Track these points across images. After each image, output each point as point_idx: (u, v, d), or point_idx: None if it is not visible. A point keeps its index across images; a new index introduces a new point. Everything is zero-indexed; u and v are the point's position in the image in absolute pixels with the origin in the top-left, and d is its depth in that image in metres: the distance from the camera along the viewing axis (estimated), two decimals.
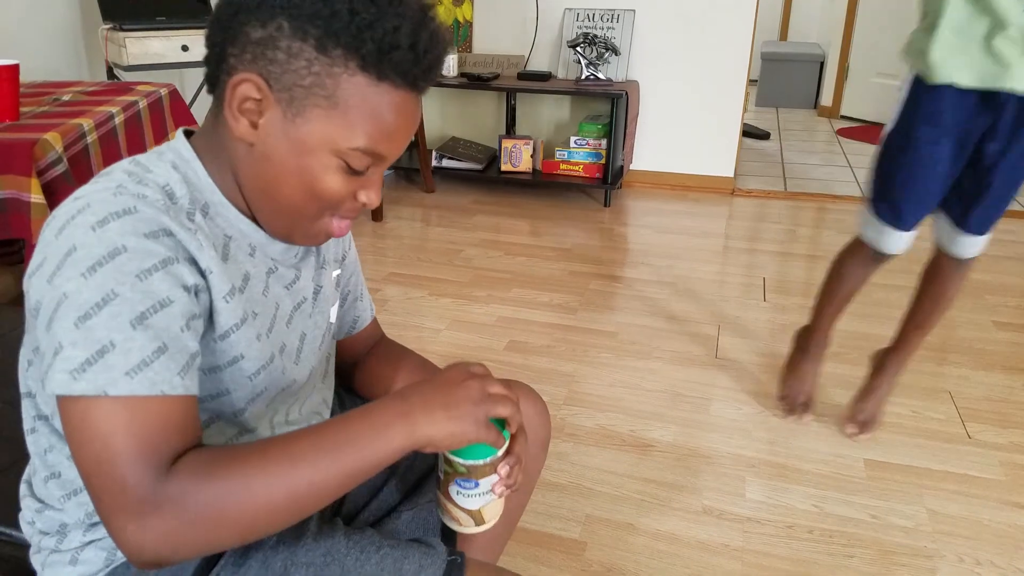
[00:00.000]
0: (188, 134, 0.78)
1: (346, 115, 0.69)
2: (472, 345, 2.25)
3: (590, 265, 2.88)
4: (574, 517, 1.57)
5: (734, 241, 3.17)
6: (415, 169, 3.77)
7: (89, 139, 1.83)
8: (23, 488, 0.81)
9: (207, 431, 0.78)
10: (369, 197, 0.76)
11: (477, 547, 1.00)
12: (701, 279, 2.77)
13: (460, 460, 0.82)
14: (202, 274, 0.70)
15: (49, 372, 0.63)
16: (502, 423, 0.82)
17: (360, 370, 1.04)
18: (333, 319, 0.93)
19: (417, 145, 3.62)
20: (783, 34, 6.74)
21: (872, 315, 2.49)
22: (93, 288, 0.62)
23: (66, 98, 2.10)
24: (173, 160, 0.74)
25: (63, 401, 0.63)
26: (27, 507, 0.80)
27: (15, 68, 1.85)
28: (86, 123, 1.83)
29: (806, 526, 1.57)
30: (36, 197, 1.65)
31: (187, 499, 0.61)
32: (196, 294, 0.69)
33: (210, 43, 0.73)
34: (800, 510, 1.61)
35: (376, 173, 0.76)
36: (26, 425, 0.77)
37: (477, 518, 0.85)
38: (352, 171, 0.72)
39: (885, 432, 1.87)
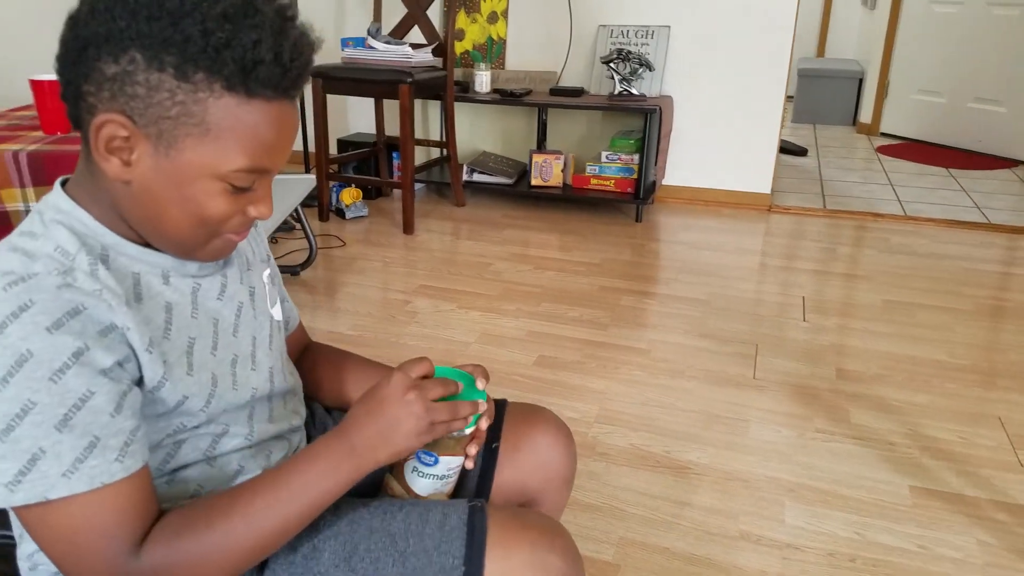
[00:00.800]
0: (65, 183, 0.75)
1: (220, 139, 0.66)
2: (501, 359, 2.21)
3: (621, 280, 2.83)
4: (607, 539, 1.52)
5: (771, 259, 3.11)
6: (446, 183, 3.76)
7: None
8: (17, 540, 0.79)
9: (177, 458, 0.77)
10: (260, 211, 0.74)
11: None
12: (737, 297, 2.71)
13: (427, 470, 0.84)
14: (123, 336, 0.67)
15: None
16: (473, 393, 0.85)
17: (306, 378, 1.04)
18: (279, 317, 0.91)
19: (448, 159, 3.60)
20: (820, 50, 6.66)
21: (918, 337, 2.41)
22: (9, 400, 0.62)
23: None
24: (54, 217, 0.71)
25: (16, 510, 0.64)
26: (21, 564, 0.79)
27: None
28: None
29: (848, 554, 1.50)
30: None
31: (165, 567, 0.66)
32: (122, 366, 0.67)
33: (63, 80, 0.68)
34: (842, 537, 1.55)
35: (263, 186, 0.73)
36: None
37: None
38: (237, 190, 0.70)
39: (931, 458, 1.80)
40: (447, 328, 2.41)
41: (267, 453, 0.85)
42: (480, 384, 0.87)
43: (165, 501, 0.76)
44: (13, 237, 0.70)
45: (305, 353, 1.06)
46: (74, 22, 0.66)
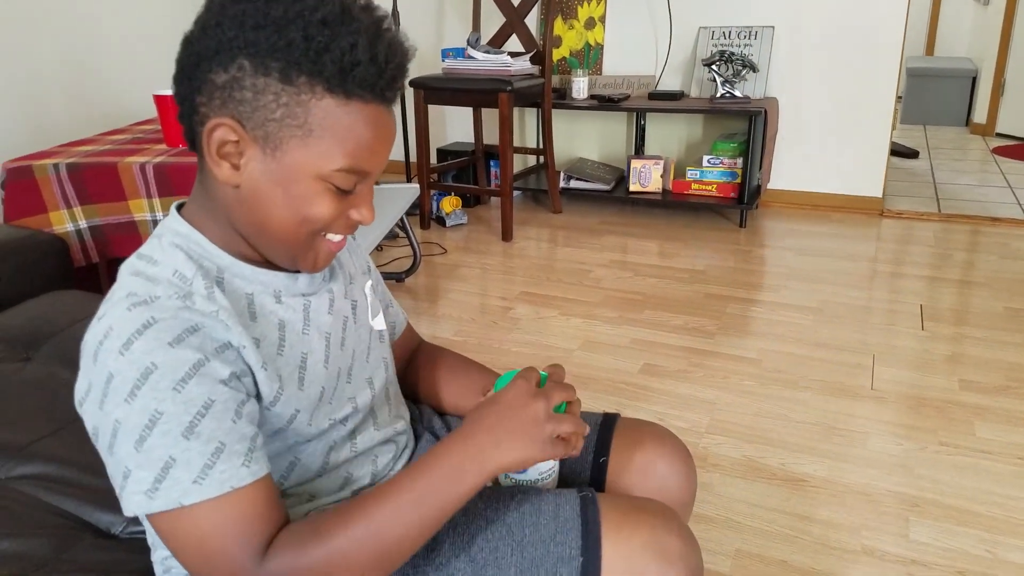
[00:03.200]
0: (181, 207, 0.78)
1: (323, 139, 0.69)
2: (605, 367, 2.20)
3: (726, 288, 2.78)
4: (723, 550, 1.50)
5: (885, 265, 2.99)
6: (543, 190, 3.78)
7: None
8: (151, 548, 0.83)
9: (293, 474, 0.79)
10: (362, 214, 0.76)
11: None
12: (850, 305, 2.62)
13: (517, 478, 0.85)
14: (239, 354, 0.71)
15: (124, 494, 0.66)
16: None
17: (405, 377, 1.06)
18: (380, 327, 0.93)
19: (545, 166, 3.62)
20: (929, 49, 6.38)
21: None
22: (138, 411, 0.65)
23: None
24: (172, 240, 0.74)
25: (149, 517, 0.66)
26: (156, 567, 0.83)
27: None
28: None
29: (979, 572, 1.43)
30: None
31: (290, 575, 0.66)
32: (239, 379, 0.70)
33: (180, 98, 0.72)
34: (972, 555, 1.47)
35: (364, 189, 0.75)
36: None
37: None
38: (340, 191, 0.72)
39: None
40: (549, 335, 2.42)
41: (373, 458, 0.87)
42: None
43: None
44: (134, 260, 0.74)
45: (419, 355, 1.08)
46: (188, 42, 0.71)
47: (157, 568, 0.82)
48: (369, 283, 0.93)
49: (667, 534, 0.78)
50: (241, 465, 0.67)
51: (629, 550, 0.77)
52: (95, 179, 1.89)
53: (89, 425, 0.69)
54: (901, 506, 1.61)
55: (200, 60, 0.69)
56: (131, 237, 1.95)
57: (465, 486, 0.72)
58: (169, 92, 1.95)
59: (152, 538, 0.81)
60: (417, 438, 0.98)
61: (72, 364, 1.31)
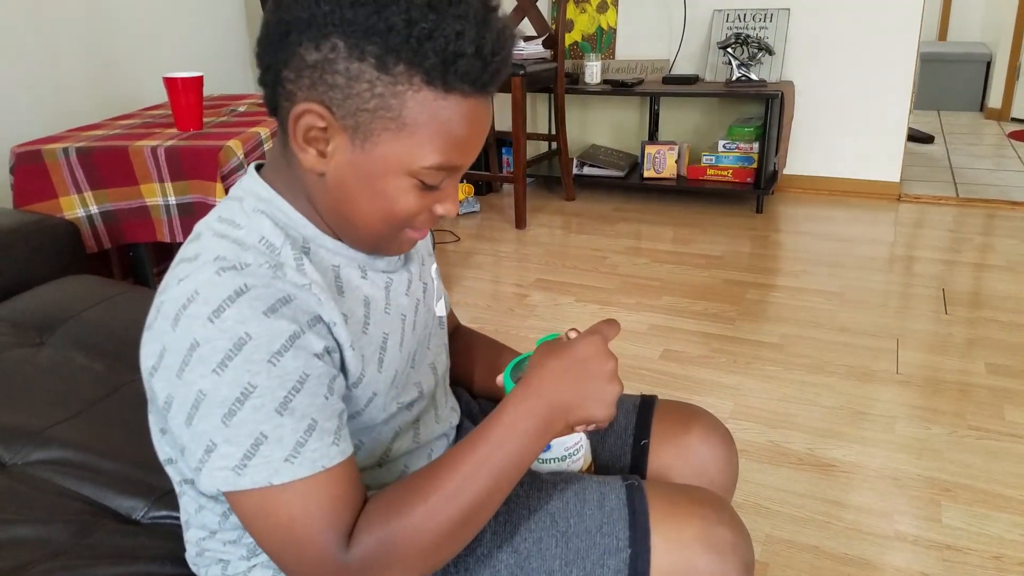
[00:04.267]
0: (259, 167, 0.74)
1: (416, 134, 0.64)
2: (625, 353, 2.17)
3: (745, 273, 2.74)
4: (754, 536, 1.46)
5: (905, 249, 2.95)
6: (555, 177, 3.74)
7: (267, 146, 1.90)
8: (184, 526, 0.80)
9: (356, 456, 0.76)
10: (447, 209, 0.71)
11: None
12: (872, 289, 2.58)
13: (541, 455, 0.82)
14: (329, 330, 0.67)
15: (206, 469, 0.62)
16: None
17: (457, 364, 1.03)
18: (442, 312, 0.89)
19: (559, 153, 3.58)
20: (942, 34, 6.31)
21: None
22: (229, 383, 0.61)
23: (242, 109, 2.19)
24: (256, 206, 0.70)
25: (231, 495, 0.63)
26: (189, 547, 0.80)
27: (199, 80, 1.93)
28: (263, 131, 1.90)
29: (1017, 558, 1.40)
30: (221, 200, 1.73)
31: (376, 557, 0.63)
32: (329, 354, 0.67)
33: (263, 64, 0.67)
34: (1008, 540, 1.44)
35: (450, 184, 0.71)
36: (176, 488, 0.78)
37: None
38: (427, 187, 0.68)
39: None
40: (567, 321, 2.39)
41: (429, 452, 0.85)
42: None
43: None
44: (214, 223, 0.69)
45: (455, 337, 1.04)
46: (278, 4, 0.64)
47: (191, 549, 0.79)
48: (435, 267, 0.90)
49: (718, 525, 0.75)
50: (331, 444, 0.64)
51: (679, 542, 0.74)
52: (106, 163, 1.86)
53: (161, 393, 0.64)
54: (932, 491, 1.58)
55: (290, 30, 0.63)
56: (144, 222, 1.92)
57: (533, 442, 0.70)
58: (180, 75, 1.91)
59: (186, 516, 0.77)
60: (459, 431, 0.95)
61: (87, 348, 1.29)
